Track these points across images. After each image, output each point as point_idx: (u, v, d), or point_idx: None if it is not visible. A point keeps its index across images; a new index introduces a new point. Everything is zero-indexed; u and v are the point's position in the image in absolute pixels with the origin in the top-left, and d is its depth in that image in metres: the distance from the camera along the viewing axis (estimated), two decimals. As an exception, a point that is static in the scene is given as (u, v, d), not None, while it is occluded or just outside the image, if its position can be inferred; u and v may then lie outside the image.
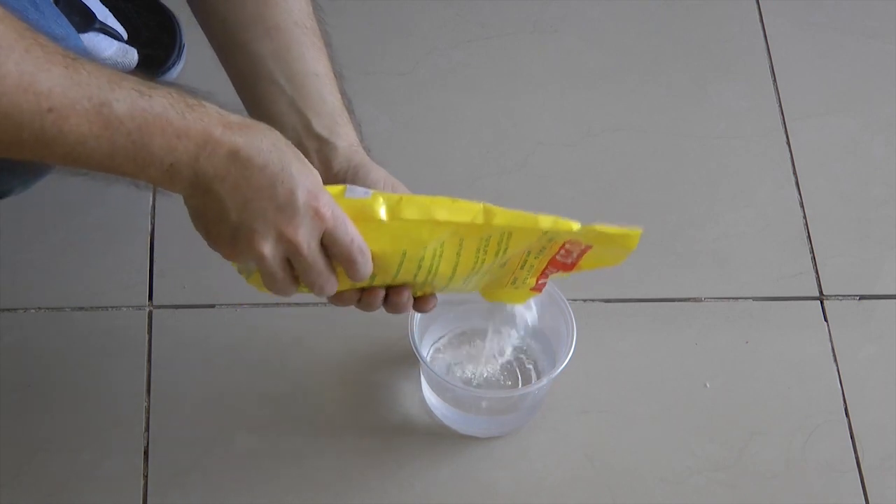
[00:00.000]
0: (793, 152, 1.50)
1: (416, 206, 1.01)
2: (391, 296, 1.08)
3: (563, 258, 1.12)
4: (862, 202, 1.47)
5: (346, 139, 1.08)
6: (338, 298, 1.07)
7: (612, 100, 1.53)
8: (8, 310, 1.35)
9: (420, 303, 1.11)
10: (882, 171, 1.50)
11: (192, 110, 0.93)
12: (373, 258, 1.02)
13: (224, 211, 0.95)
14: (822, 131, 1.52)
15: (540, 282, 1.16)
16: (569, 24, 1.58)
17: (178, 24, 1.49)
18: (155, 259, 1.38)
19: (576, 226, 1.07)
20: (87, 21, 1.44)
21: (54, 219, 1.39)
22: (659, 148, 1.50)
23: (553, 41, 1.57)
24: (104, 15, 1.46)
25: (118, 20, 1.47)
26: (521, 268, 1.12)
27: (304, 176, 0.96)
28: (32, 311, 1.35)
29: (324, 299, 1.06)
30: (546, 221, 1.06)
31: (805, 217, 1.46)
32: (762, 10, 1.61)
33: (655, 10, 1.60)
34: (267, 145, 0.95)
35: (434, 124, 1.50)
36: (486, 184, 1.46)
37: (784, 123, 1.52)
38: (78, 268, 1.38)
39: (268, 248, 0.97)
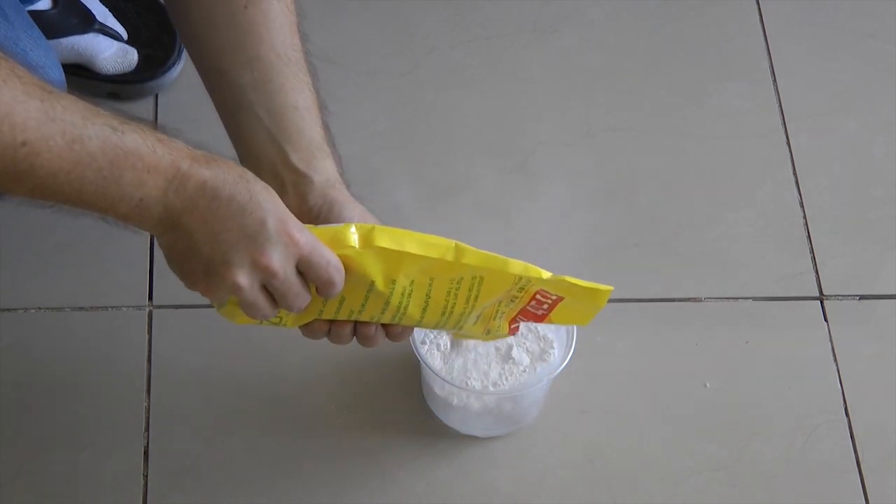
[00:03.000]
0: (793, 152, 1.50)
1: (388, 236, 1.01)
2: (359, 328, 1.09)
3: (535, 308, 1.13)
4: (862, 202, 1.47)
5: (323, 174, 1.07)
6: (308, 330, 1.08)
7: (612, 100, 1.53)
8: (8, 310, 1.35)
9: (390, 331, 1.10)
10: (882, 171, 1.50)
11: (162, 145, 0.93)
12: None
13: (195, 245, 0.96)
14: (822, 131, 1.52)
15: (513, 326, 1.17)
16: (569, 24, 1.58)
17: (177, 24, 1.49)
18: (155, 259, 1.38)
19: (546, 274, 1.08)
20: (86, 22, 1.44)
21: (54, 219, 1.39)
22: (659, 148, 1.50)
23: (553, 41, 1.57)
24: (104, 15, 1.46)
25: (118, 20, 1.47)
26: (494, 318, 1.13)
27: (272, 205, 0.96)
28: (32, 311, 1.35)
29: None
30: (516, 267, 1.06)
31: (805, 217, 1.46)
32: (762, 10, 1.61)
33: (655, 10, 1.60)
34: (233, 177, 0.95)
35: (434, 124, 1.50)
36: (486, 184, 1.46)
37: (784, 123, 1.52)
38: (78, 268, 1.38)
39: (243, 278, 0.97)
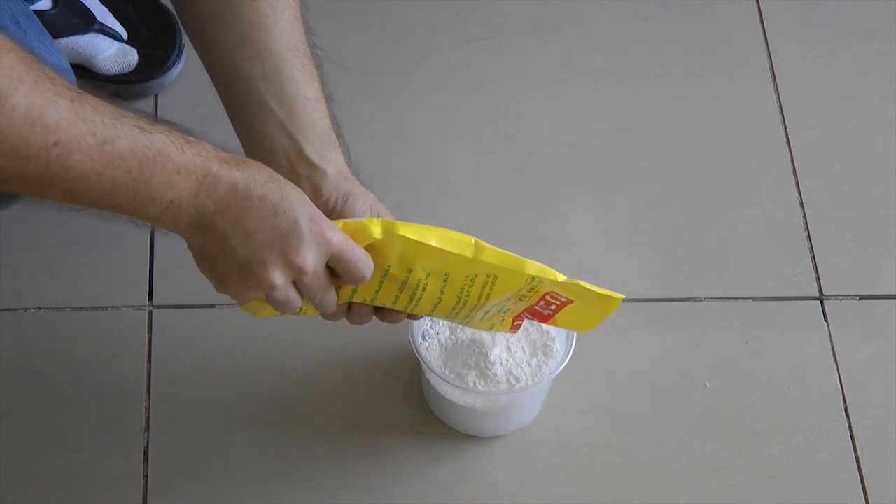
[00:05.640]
0: (793, 152, 1.50)
1: (411, 229, 1.03)
2: (386, 312, 1.10)
3: (542, 309, 1.13)
4: (862, 202, 1.47)
5: (335, 165, 1.08)
6: (329, 314, 1.09)
7: (612, 100, 1.53)
8: (8, 310, 1.35)
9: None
10: (882, 171, 1.50)
11: (190, 146, 0.94)
12: None
13: (229, 246, 0.96)
14: (822, 131, 1.52)
15: (515, 323, 1.17)
16: (569, 24, 1.58)
17: (178, 24, 1.49)
18: (155, 259, 1.38)
19: (561, 277, 1.08)
20: (86, 22, 1.44)
21: (54, 219, 1.39)
22: (659, 148, 1.50)
23: (553, 41, 1.57)
24: (104, 15, 1.46)
25: (118, 20, 1.47)
26: (499, 314, 1.13)
27: (303, 204, 0.97)
28: (32, 311, 1.35)
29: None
30: (532, 267, 1.07)
31: (805, 217, 1.46)
32: (762, 10, 1.61)
33: (655, 10, 1.60)
34: (263, 177, 0.96)
35: (434, 124, 1.50)
36: (487, 184, 1.46)
37: (784, 123, 1.52)
38: (78, 268, 1.38)
39: (279, 277, 0.98)
